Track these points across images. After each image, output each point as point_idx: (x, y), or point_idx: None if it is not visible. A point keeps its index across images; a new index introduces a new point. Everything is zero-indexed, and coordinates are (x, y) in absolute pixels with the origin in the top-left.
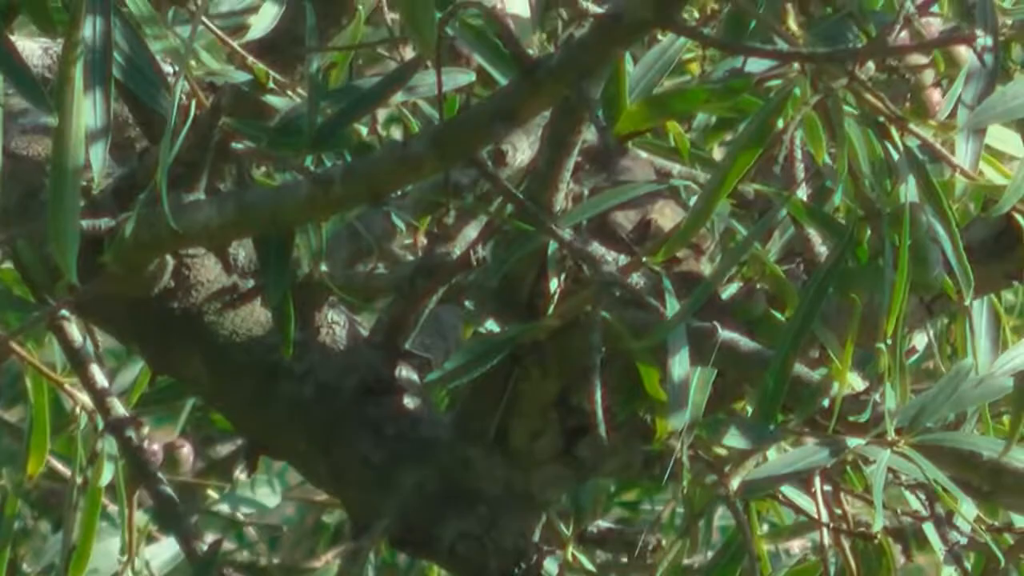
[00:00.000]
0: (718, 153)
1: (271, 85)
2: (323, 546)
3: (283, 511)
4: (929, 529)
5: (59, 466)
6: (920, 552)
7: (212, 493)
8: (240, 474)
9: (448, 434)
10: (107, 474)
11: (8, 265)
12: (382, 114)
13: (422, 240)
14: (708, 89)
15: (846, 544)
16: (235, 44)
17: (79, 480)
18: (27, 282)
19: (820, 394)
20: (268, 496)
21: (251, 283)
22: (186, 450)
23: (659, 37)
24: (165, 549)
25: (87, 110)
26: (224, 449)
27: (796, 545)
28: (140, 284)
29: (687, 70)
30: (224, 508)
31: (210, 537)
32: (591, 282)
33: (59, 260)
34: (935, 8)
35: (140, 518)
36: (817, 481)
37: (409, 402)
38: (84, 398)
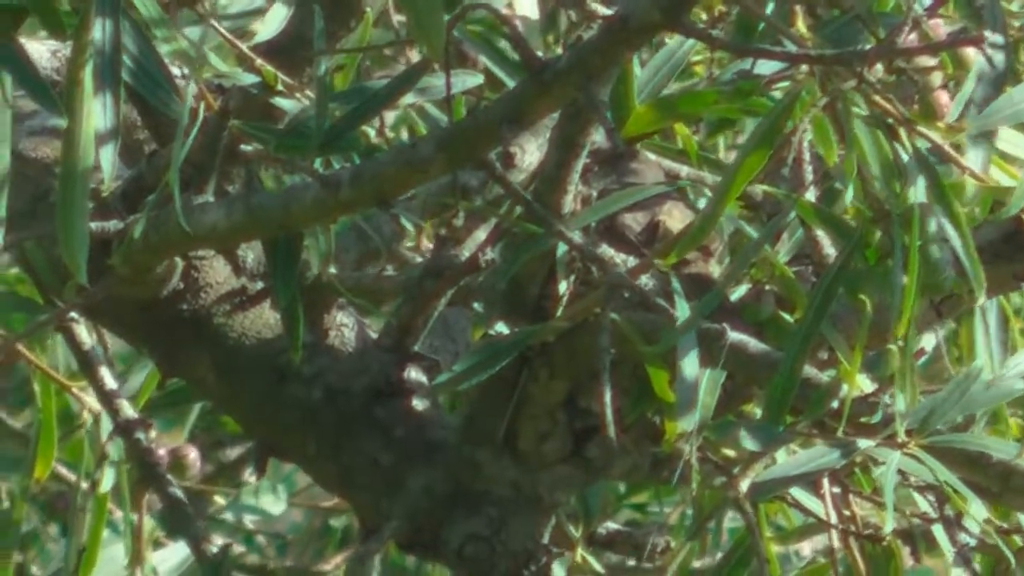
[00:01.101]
0: (723, 151)
1: (279, 87)
2: (332, 549)
3: (289, 518)
4: (938, 531)
5: (65, 471)
6: (929, 554)
7: (219, 499)
8: (249, 477)
9: (457, 436)
10: (111, 478)
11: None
12: (390, 116)
13: (428, 243)
14: (717, 91)
15: (855, 546)
16: (244, 46)
17: (85, 485)
18: (36, 284)
19: (829, 396)
20: (272, 503)
21: (260, 285)
22: (192, 456)
23: (667, 39)
24: (172, 554)
25: (96, 112)
26: (233, 452)
27: (807, 547)
28: (149, 286)
29: (694, 72)
30: (229, 516)
31: (219, 541)
32: (600, 284)
33: (68, 262)
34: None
35: (146, 523)
36: (826, 483)
37: (418, 404)
38: (91, 402)
